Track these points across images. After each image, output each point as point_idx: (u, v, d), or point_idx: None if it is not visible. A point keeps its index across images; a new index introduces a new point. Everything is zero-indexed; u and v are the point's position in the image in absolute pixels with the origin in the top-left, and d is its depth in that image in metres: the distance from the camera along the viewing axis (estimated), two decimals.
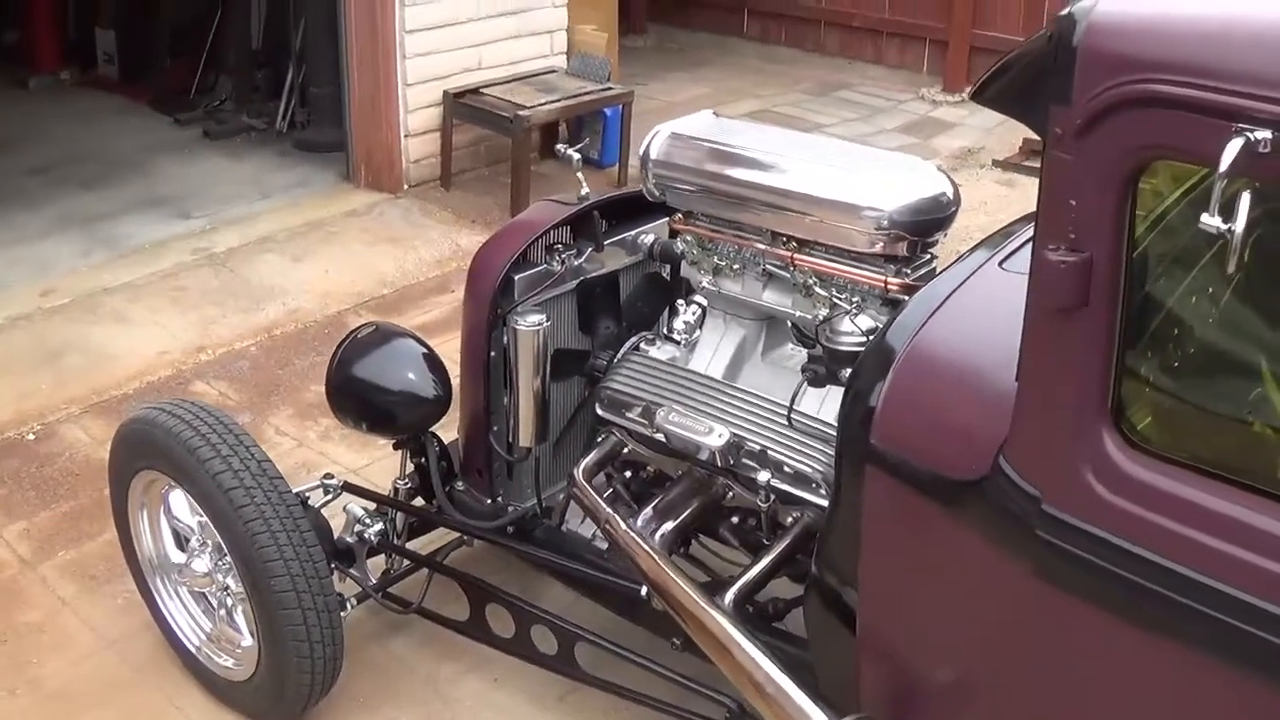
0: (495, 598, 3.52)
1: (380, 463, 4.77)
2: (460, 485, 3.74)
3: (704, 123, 3.47)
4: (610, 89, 7.28)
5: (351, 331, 3.63)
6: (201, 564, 3.49)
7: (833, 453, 3.00)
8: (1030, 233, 2.82)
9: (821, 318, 3.18)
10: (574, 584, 3.57)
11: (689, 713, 3.26)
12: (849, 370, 2.88)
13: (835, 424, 3.05)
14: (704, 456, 3.17)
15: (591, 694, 3.58)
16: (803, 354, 3.47)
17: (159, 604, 3.72)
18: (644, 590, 3.20)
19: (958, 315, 2.59)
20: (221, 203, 6.91)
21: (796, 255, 3.18)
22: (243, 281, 6.08)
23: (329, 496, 3.64)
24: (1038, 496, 2.13)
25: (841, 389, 3.03)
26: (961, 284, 2.67)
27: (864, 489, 2.52)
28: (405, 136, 6.94)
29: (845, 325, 2.90)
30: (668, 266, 3.81)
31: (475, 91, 7.00)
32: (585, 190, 3.67)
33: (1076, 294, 1.95)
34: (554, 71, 7.41)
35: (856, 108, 9.49)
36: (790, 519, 3.13)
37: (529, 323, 3.41)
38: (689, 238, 3.42)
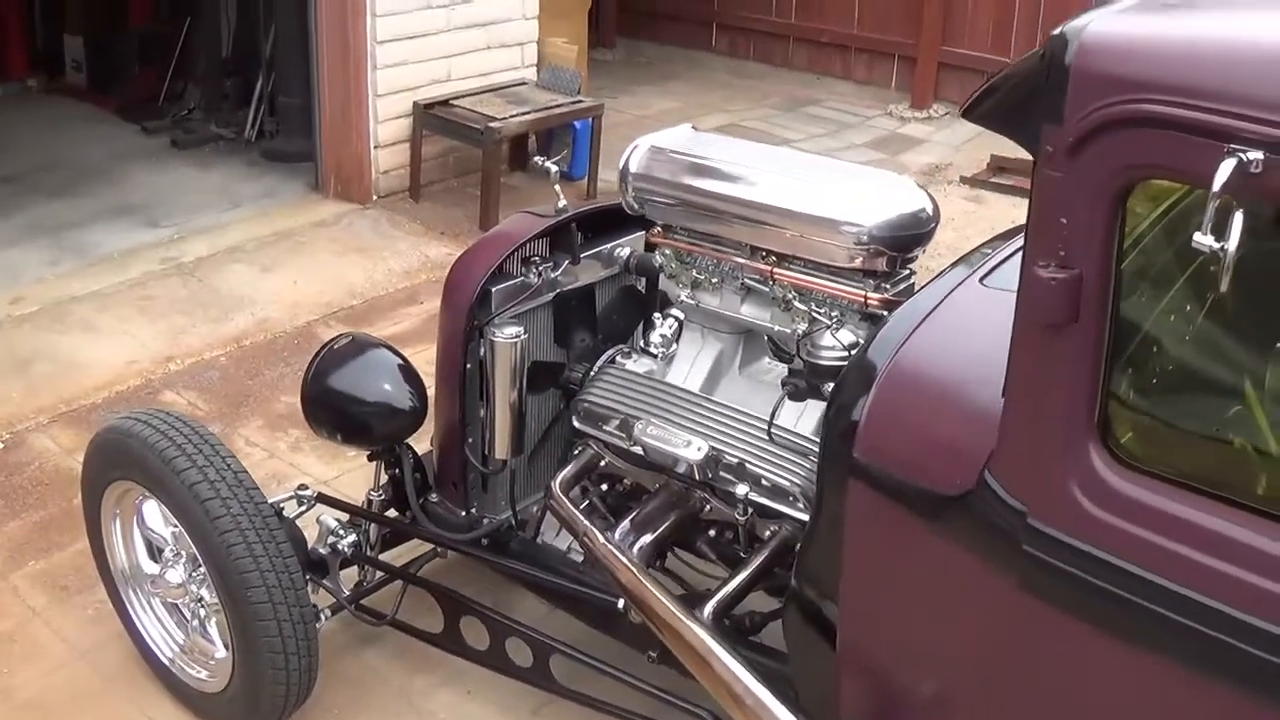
0: (470, 610, 3.51)
1: (350, 474, 4.76)
2: (434, 497, 3.73)
3: (683, 137, 3.47)
4: (581, 102, 7.29)
5: (327, 342, 3.62)
6: (175, 575, 3.47)
7: (811, 467, 3.03)
8: (1010, 249, 2.87)
9: (801, 332, 3.19)
10: (549, 596, 3.57)
11: None
12: (830, 385, 2.89)
13: (814, 438, 3.09)
14: (682, 470, 3.17)
15: (565, 707, 3.57)
16: (780, 368, 3.48)
17: (131, 615, 3.70)
18: (621, 603, 3.21)
19: (940, 331, 2.61)
20: (190, 212, 6.87)
21: (776, 270, 3.18)
22: (211, 291, 6.05)
23: (303, 508, 3.63)
24: (1024, 511, 2.14)
25: (821, 403, 3.07)
26: (943, 300, 2.68)
27: (846, 503, 2.53)
28: (375, 147, 6.93)
29: (826, 340, 2.91)
30: (643, 280, 3.83)
31: (445, 103, 7.00)
32: (563, 203, 3.68)
33: (1066, 310, 1.96)
34: (524, 84, 7.42)
35: (825, 123, 9.53)
36: (768, 532, 3.14)
37: (506, 335, 3.41)
38: (667, 251, 3.43)
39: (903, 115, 9.79)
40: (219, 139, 7.91)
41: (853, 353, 2.88)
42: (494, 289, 3.51)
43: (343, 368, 3.57)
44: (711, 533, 3.28)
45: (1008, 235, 3.13)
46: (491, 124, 6.77)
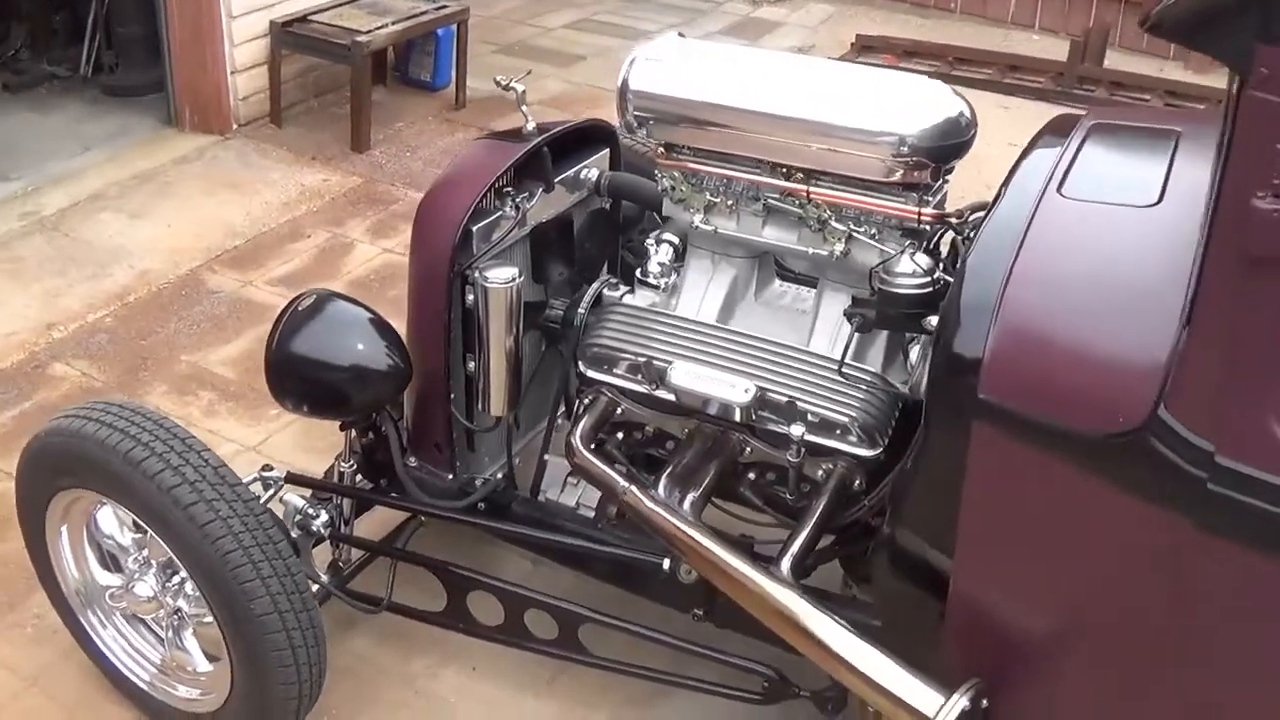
0: (479, 584, 3.21)
1: (276, 436, 4.40)
2: (413, 462, 3.38)
3: (680, 47, 3.15)
4: (445, 7, 6.86)
5: (290, 303, 3.22)
6: (145, 588, 3.08)
7: (867, 398, 2.79)
8: (1070, 152, 2.63)
9: (838, 253, 2.93)
10: (565, 559, 3.28)
11: (724, 687, 3.04)
12: (906, 314, 2.64)
13: (875, 370, 2.86)
14: (727, 414, 2.88)
15: (581, 674, 3.33)
16: (793, 291, 3.23)
17: (94, 639, 3.28)
18: (666, 563, 2.94)
19: (1046, 252, 2.37)
20: (39, 160, 6.25)
21: (813, 189, 2.90)
22: (83, 246, 5.53)
23: (270, 491, 3.25)
24: (1210, 449, 1.96)
25: (886, 333, 2.83)
26: (1032, 217, 2.43)
27: (968, 445, 2.28)
28: (232, 73, 6.42)
29: (905, 266, 2.64)
30: (609, 202, 3.52)
31: (303, 20, 6.50)
32: (531, 124, 3.33)
33: None
34: None
35: (678, 11, 9.21)
36: (820, 472, 2.89)
37: (501, 278, 3.09)
38: (676, 174, 3.11)
39: None
40: (53, 78, 7.22)
41: (934, 279, 2.62)
42: (474, 228, 3.15)
43: (312, 332, 3.17)
44: (751, 475, 3.00)
45: (1052, 133, 2.89)
46: (359, 38, 6.31)
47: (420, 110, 7.05)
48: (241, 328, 4.97)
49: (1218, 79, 7.81)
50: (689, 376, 2.89)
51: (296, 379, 3.18)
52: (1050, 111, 6.88)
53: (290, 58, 6.57)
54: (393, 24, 6.56)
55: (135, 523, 3.04)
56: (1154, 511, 2.06)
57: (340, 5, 6.68)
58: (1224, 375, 1.93)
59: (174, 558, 2.93)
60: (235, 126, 6.53)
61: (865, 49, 8.35)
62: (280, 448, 4.29)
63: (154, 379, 4.67)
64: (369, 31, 6.39)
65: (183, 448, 2.85)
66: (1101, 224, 2.43)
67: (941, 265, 2.71)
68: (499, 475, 3.38)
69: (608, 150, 3.56)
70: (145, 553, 3.09)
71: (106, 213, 5.79)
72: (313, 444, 4.29)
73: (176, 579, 3.06)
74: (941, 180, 2.89)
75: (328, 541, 3.33)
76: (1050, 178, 2.57)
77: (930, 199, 2.87)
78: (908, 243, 2.79)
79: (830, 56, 8.15)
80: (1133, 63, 8.13)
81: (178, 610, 3.11)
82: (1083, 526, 2.20)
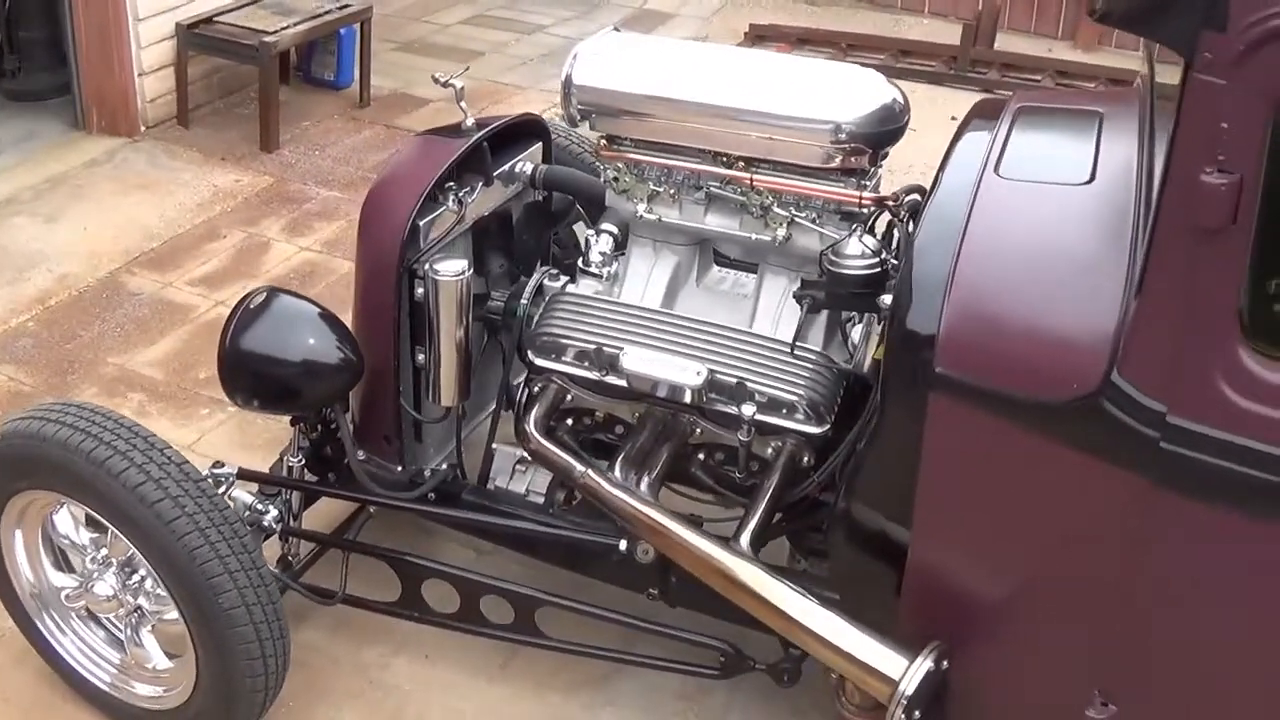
0: (434, 572, 3.27)
1: (210, 435, 4.41)
2: (361, 455, 3.42)
3: (621, 42, 3.24)
4: (349, 6, 6.86)
5: (241, 301, 3.25)
6: (104, 587, 3.09)
7: (814, 376, 2.89)
8: (1000, 135, 2.76)
9: (780, 238, 3.04)
10: (518, 545, 3.35)
11: (681, 664, 3.13)
12: (855, 294, 2.75)
13: (820, 350, 2.95)
14: (677, 396, 2.97)
15: (535, 657, 3.40)
16: (732, 276, 3.33)
17: (51, 643, 3.28)
18: (623, 544, 3.03)
19: (991, 230, 2.49)
20: None
21: (756, 176, 3.00)
22: None
23: (222, 488, 3.27)
24: (1161, 410, 2.10)
25: (826, 313, 2.93)
26: (974, 197, 2.55)
27: (925, 418, 2.39)
28: (140, 75, 6.36)
29: (853, 248, 2.75)
30: (544, 195, 3.60)
31: (208, 21, 6.47)
32: (470, 121, 3.39)
33: (1228, 213, 1.93)
34: None
35: (571, 5, 9.25)
36: (770, 450, 2.99)
37: (451, 271, 3.15)
38: (619, 165, 3.19)
39: None
40: None
41: (884, 259, 2.73)
42: (420, 223, 3.21)
43: (264, 328, 3.20)
44: (701, 456, 3.10)
45: (975, 120, 3.01)
46: (266, 38, 6.30)
47: (325, 109, 7.05)
48: (165, 329, 4.96)
49: (1105, 58, 8.08)
50: (640, 361, 2.98)
51: (249, 375, 3.21)
52: (945, 95, 7.16)
53: (196, 59, 6.54)
54: (298, 24, 6.54)
55: (92, 522, 3.06)
56: (1110, 471, 2.20)
57: (245, 6, 6.65)
58: (1174, 339, 2.06)
59: (134, 555, 2.96)
60: (143, 129, 6.49)
61: (758, 38, 8.45)
62: (215, 445, 4.30)
63: (82, 382, 4.65)
64: (275, 32, 6.38)
65: (145, 446, 2.88)
66: (1040, 202, 2.55)
67: (883, 246, 2.83)
68: (445, 465, 3.43)
69: (540, 144, 3.63)
70: (104, 552, 3.10)
71: (21, 217, 5.73)
72: (248, 441, 4.31)
73: (136, 577, 3.08)
74: (877, 165, 3.00)
75: (276, 536, 3.36)
76: (986, 159, 2.69)
77: (867, 183, 2.98)
78: (854, 225, 2.90)
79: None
80: (1022, 44, 8.35)
81: (138, 608, 3.13)
82: (1041, 490, 2.32)
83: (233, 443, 4.34)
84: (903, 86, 3.08)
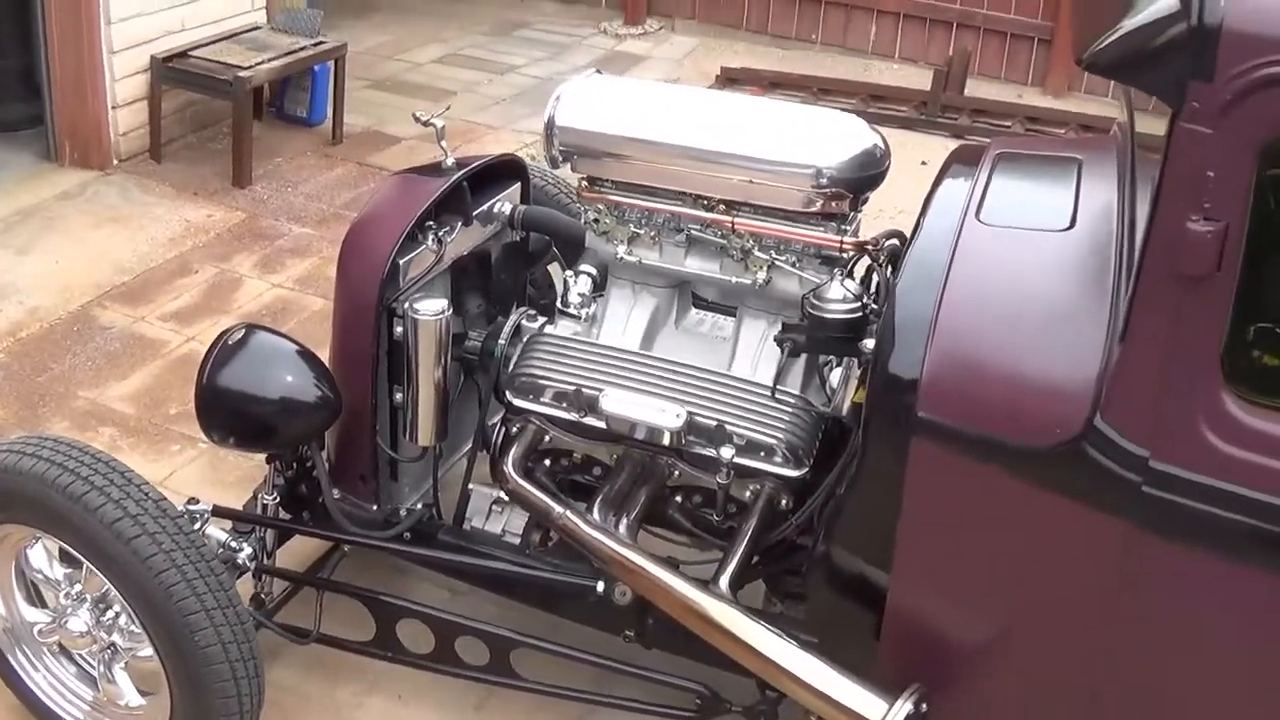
0: (409, 613, 3.25)
1: (182, 471, 4.37)
2: (336, 493, 3.41)
3: (603, 84, 3.26)
4: (324, 43, 6.87)
5: (219, 338, 3.23)
6: (78, 623, 3.07)
7: (793, 419, 2.90)
8: (982, 180, 2.78)
9: (761, 281, 3.05)
10: (494, 586, 3.33)
11: (657, 706, 3.12)
12: (837, 338, 2.76)
13: (799, 394, 2.96)
14: (656, 439, 2.97)
15: (509, 698, 3.38)
16: (710, 319, 3.34)
17: (25, 680, 3.24)
18: (599, 585, 3.02)
19: (974, 275, 2.51)
20: None
21: (737, 220, 3.02)
22: None
23: (198, 525, 3.24)
24: (1144, 455, 2.13)
25: (804, 356, 2.94)
26: (956, 242, 2.57)
27: (907, 462, 2.40)
28: (113, 108, 6.35)
29: (835, 291, 2.76)
30: (521, 235, 3.61)
31: (183, 55, 6.46)
32: (450, 160, 3.40)
33: (1213, 261, 1.96)
34: (259, 28, 6.92)
35: (543, 46, 9.31)
36: (748, 493, 2.99)
37: (431, 311, 3.14)
38: (600, 207, 3.20)
39: (618, 32, 9.66)
40: None
41: (865, 303, 2.74)
42: (400, 261, 3.21)
43: (241, 365, 3.19)
44: (679, 498, 3.10)
45: (958, 165, 3.04)
46: (240, 74, 6.29)
47: (298, 145, 7.05)
48: (136, 363, 4.94)
49: (1074, 104, 8.15)
50: (619, 403, 2.98)
51: (226, 412, 3.19)
52: (915, 140, 7.20)
53: (170, 93, 6.53)
54: (272, 60, 6.55)
55: (66, 557, 3.03)
56: (1092, 516, 2.22)
57: (220, 41, 6.65)
58: (1157, 384, 2.08)
59: (109, 591, 2.94)
60: (116, 162, 6.47)
61: (730, 81, 8.51)
62: (187, 482, 4.27)
63: (53, 415, 4.62)
64: (250, 67, 6.38)
65: (123, 481, 2.87)
66: (1021, 248, 2.58)
67: (864, 291, 2.84)
68: (421, 505, 3.42)
69: (519, 184, 3.64)
70: (78, 587, 3.08)
71: None
72: (220, 477, 4.29)
73: (110, 613, 3.05)
74: (858, 210, 3.02)
75: (249, 574, 3.34)
76: (967, 205, 2.71)
77: (848, 227, 3.00)
78: (836, 269, 2.91)
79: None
80: (993, 90, 8.43)
81: (111, 644, 3.10)
82: (1023, 534, 2.34)
83: (205, 479, 4.31)
84: (852, 116, 3.11)
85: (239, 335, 3.21)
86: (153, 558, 2.79)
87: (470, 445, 3.44)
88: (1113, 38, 1.95)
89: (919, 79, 8.36)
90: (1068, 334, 2.30)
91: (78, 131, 6.37)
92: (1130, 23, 1.94)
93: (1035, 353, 2.32)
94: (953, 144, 7.57)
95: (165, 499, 2.90)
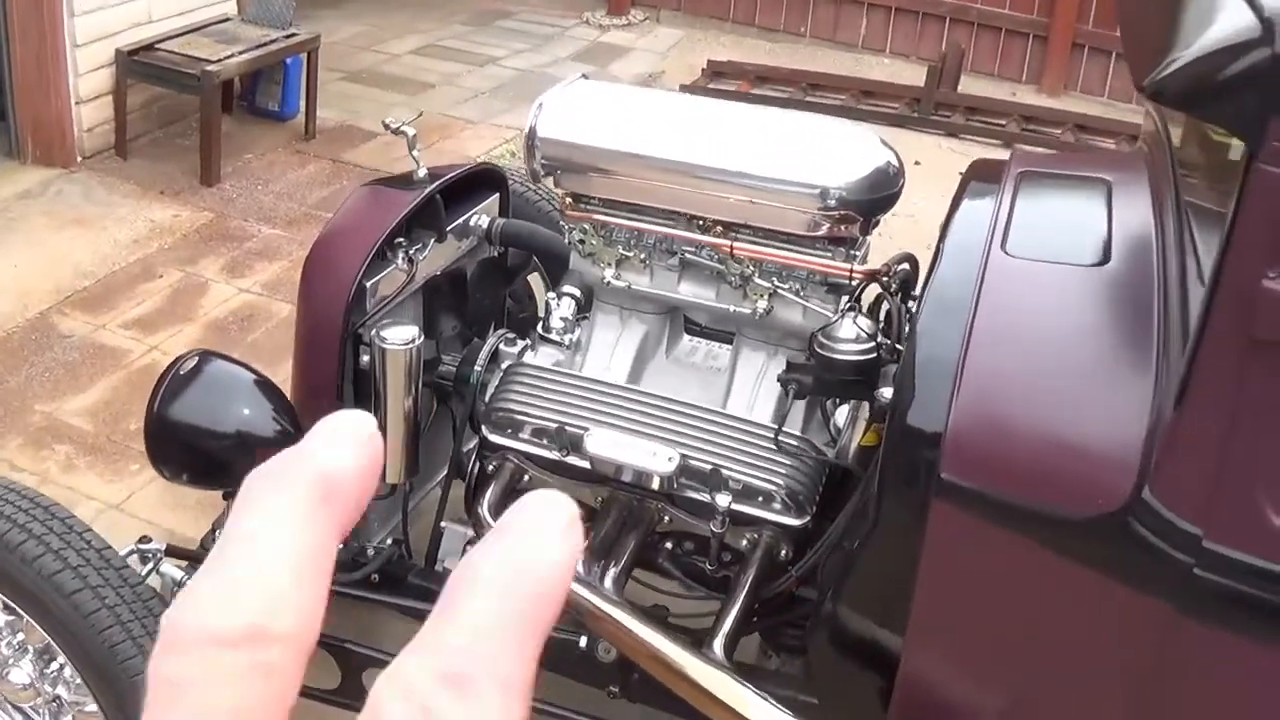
0: (380, 663, 3.00)
1: (140, 493, 4.12)
2: None
3: (589, 91, 3.00)
4: (296, 35, 6.60)
5: (171, 366, 2.98)
6: (20, 675, 2.82)
7: (794, 464, 2.67)
8: (1004, 207, 2.54)
9: (761, 310, 2.80)
10: None
11: None
12: (847, 381, 2.51)
13: (804, 437, 2.73)
14: (645, 482, 2.73)
15: None
16: (704, 347, 3.10)
17: None
18: (583, 640, 2.78)
19: (1002, 317, 2.26)
20: None
21: (736, 244, 2.77)
22: None
23: (150, 565, 3.00)
24: (1197, 534, 1.89)
25: (823, 399, 2.72)
26: (981, 278, 2.32)
27: (926, 526, 2.16)
28: (77, 104, 6.07)
29: (846, 330, 2.51)
30: (499, 250, 3.36)
31: (149, 48, 6.18)
32: (423, 171, 3.14)
33: None
34: (229, 19, 6.65)
35: (525, 37, 9.04)
36: (745, 542, 2.75)
37: (400, 339, 2.89)
38: (585, 226, 2.95)
39: (601, 23, 9.40)
40: None
41: (880, 343, 2.50)
42: (367, 283, 2.96)
43: (194, 396, 2.94)
44: (669, 546, 2.85)
45: (975, 184, 2.80)
46: (209, 67, 6.02)
47: (269, 141, 6.78)
48: (96, 375, 4.68)
49: (1070, 103, 7.92)
50: (606, 444, 2.73)
51: (177, 447, 2.95)
52: (907, 138, 6.95)
53: (136, 87, 6.26)
54: (242, 52, 6.27)
55: (6, 605, 2.79)
56: (1134, 596, 1.99)
57: (188, 33, 6.38)
58: (1216, 458, 1.84)
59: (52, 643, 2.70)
60: (80, 159, 6.19)
61: (716, 75, 8.27)
62: (145, 505, 4.03)
63: (7, 431, 4.36)
64: (218, 61, 6.11)
65: (63, 529, 2.63)
66: (1053, 285, 2.34)
67: (878, 328, 2.60)
68: (390, 541, 3.18)
69: (497, 196, 3.39)
70: (20, 637, 2.83)
71: None
72: (180, 500, 4.04)
73: (55, 664, 2.81)
74: (868, 234, 2.78)
75: None
76: (991, 234, 2.47)
77: (857, 253, 2.76)
78: (847, 304, 2.67)
79: (681, 83, 8.09)
80: (987, 87, 8.20)
81: (56, 698, 2.86)
82: (1053, 610, 2.11)
83: (163, 502, 4.06)
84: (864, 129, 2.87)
85: (192, 363, 2.97)
86: (95, 614, 2.55)
87: (443, 474, 3.19)
88: (1180, 63, 1.70)
89: (911, 75, 8.13)
90: (1108, 390, 2.06)
91: (40, 128, 6.10)
92: (1201, 46, 1.69)
93: (1073, 410, 2.08)
94: (946, 143, 7.40)
95: (110, 548, 2.66)
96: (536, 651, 0.41)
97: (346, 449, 0.44)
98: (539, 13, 9.62)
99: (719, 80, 8.25)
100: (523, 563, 0.42)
